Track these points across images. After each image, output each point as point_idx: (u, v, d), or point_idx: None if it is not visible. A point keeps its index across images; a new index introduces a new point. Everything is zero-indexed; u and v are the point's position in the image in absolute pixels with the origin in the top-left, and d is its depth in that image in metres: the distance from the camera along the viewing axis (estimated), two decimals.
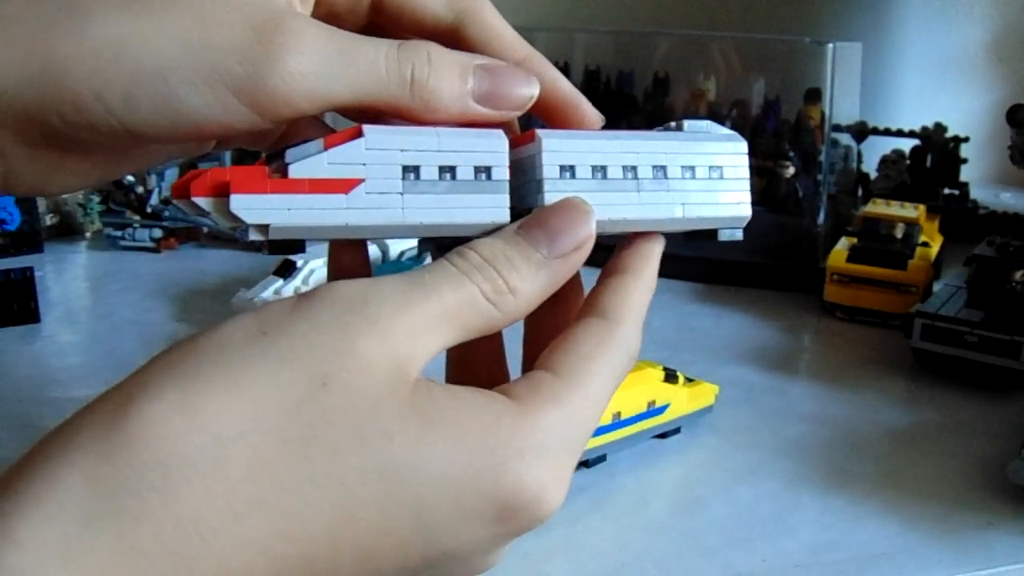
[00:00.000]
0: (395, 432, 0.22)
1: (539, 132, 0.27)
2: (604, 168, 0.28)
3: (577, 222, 0.27)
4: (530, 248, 0.26)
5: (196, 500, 0.20)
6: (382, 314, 0.23)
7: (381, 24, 0.30)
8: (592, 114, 0.31)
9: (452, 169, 0.26)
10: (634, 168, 0.28)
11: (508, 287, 0.25)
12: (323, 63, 0.25)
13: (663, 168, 0.29)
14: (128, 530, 0.19)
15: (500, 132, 0.27)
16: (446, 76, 0.27)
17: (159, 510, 0.19)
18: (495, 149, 0.27)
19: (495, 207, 0.27)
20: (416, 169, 0.26)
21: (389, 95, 0.26)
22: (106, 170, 0.28)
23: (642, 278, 0.29)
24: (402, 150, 0.25)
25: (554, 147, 0.27)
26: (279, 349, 0.21)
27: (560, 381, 0.25)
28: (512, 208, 0.27)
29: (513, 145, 0.27)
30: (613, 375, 0.27)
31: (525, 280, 0.26)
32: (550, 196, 0.27)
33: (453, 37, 0.30)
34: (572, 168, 0.27)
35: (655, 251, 0.30)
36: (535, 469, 0.24)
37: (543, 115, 0.31)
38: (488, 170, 0.27)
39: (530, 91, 0.28)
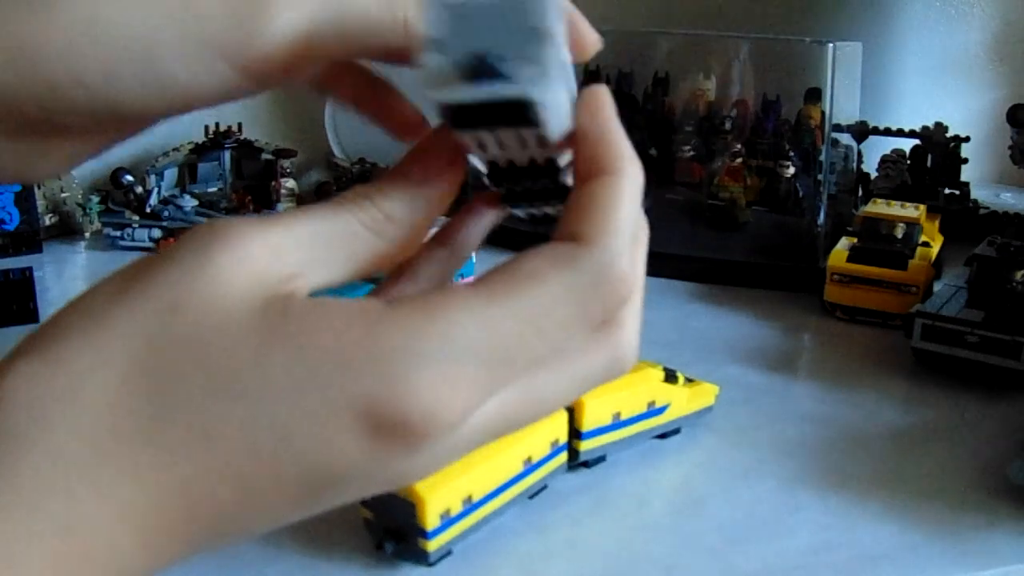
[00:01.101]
0: (237, 347, 0.21)
1: None
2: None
3: (439, 143, 0.25)
4: (400, 175, 0.25)
5: (65, 434, 0.20)
6: (243, 234, 0.22)
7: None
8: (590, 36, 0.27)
9: None
10: None
11: (383, 215, 0.24)
12: (312, 17, 0.24)
13: None
14: (6, 470, 0.20)
15: None
16: None
17: (33, 446, 0.20)
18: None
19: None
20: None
21: (382, 37, 0.25)
22: (90, 148, 0.28)
23: (622, 178, 0.24)
24: None
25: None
26: (137, 287, 0.21)
27: (483, 289, 0.22)
28: None
29: None
30: (562, 298, 0.23)
31: (401, 206, 0.24)
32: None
33: None
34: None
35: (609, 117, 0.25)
36: (412, 378, 0.21)
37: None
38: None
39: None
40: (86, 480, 0.20)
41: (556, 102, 0.23)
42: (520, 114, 0.22)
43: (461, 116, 0.22)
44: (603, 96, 0.25)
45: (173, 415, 0.21)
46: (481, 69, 0.21)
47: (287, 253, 0.22)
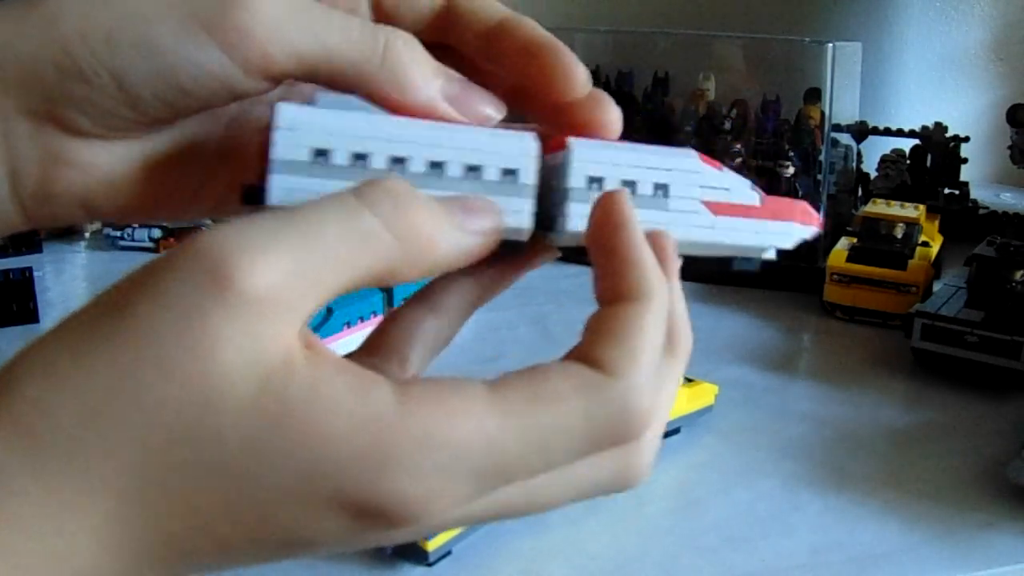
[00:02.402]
0: (227, 428, 0.20)
1: (571, 140, 0.27)
2: (634, 183, 0.27)
3: (487, 209, 0.25)
4: (445, 206, 0.24)
5: (59, 470, 0.20)
6: (237, 279, 0.20)
7: (383, 9, 0.30)
8: (579, 75, 0.28)
9: (478, 168, 0.25)
10: (665, 187, 0.27)
11: (417, 228, 0.22)
12: (293, 11, 0.25)
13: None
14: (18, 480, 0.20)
15: (532, 135, 0.26)
16: (420, 60, 0.26)
17: (38, 464, 0.20)
18: (525, 152, 0.26)
19: (518, 211, 0.26)
20: (442, 165, 0.25)
21: (359, 61, 0.25)
22: (115, 159, 0.28)
23: (651, 306, 0.24)
24: (426, 144, 0.25)
25: (584, 156, 0.26)
26: (122, 336, 0.20)
27: (500, 400, 0.22)
28: (536, 215, 0.26)
29: (544, 151, 0.27)
30: (576, 427, 0.22)
31: (440, 228, 0.23)
32: (575, 206, 0.26)
33: (446, 15, 0.29)
34: (600, 180, 0.26)
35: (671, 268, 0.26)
36: (403, 485, 0.21)
37: (535, 79, 0.28)
38: (515, 173, 0.26)
39: (495, 112, 0.28)
40: (77, 516, 0.20)
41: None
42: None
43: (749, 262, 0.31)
44: (621, 207, 0.25)
45: (162, 477, 0.20)
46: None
47: (290, 297, 0.21)
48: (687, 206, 0.28)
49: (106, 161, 0.27)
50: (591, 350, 0.23)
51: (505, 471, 0.22)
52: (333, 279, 0.21)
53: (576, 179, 0.26)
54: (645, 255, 0.25)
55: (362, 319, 0.63)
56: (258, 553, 0.22)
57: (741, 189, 0.28)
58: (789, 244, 0.29)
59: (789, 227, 0.29)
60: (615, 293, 0.24)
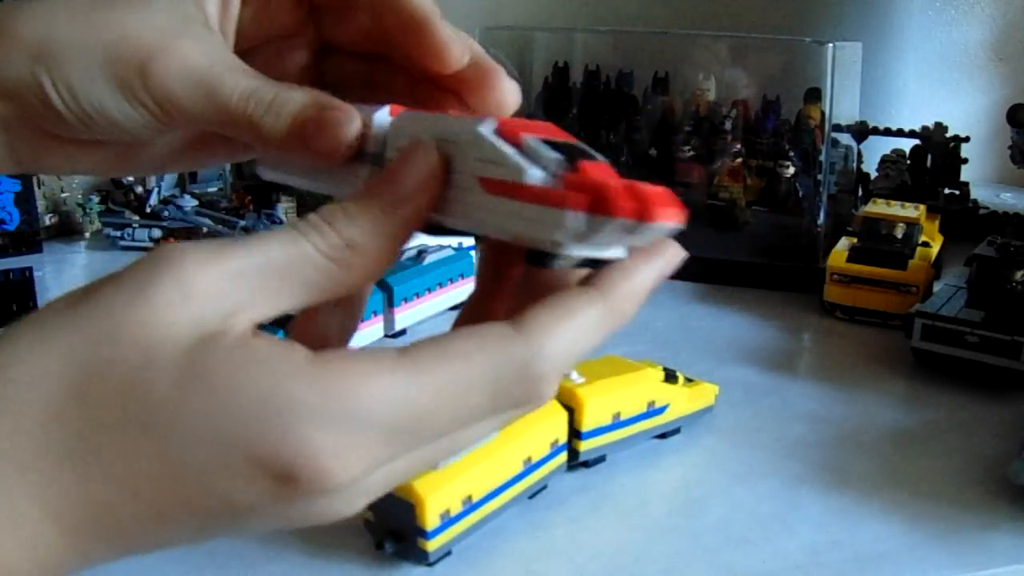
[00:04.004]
0: (158, 384, 0.22)
1: (395, 111, 0.28)
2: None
3: (416, 159, 0.26)
4: (370, 200, 0.25)
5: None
6: (188, 269, 0.23)
7: (318, 6, 0.33)
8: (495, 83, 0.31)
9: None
10: (450, 159, 0.26)
11: (343, 241, 0.24)
12: (196, 83, 0.29)
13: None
14: None
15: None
16: (281, 121, 0.29)
17: None
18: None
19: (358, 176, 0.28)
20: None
21: (240, 121, 0.29)
22: (89, 158, 0.33)
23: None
24: None
25: (394, 124, 0.28)
26: (84, 309, 0.23)
27: (408, 359, 0.23)
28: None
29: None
30: (482, 385, 0.23)
31: (364, 234, 0.25)
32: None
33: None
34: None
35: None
36: (308, 436, 0.22)
37: (461, 85, 0.31)
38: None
39: (343, 138, 0.28)
40: (16, 476, 0.22)
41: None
42: (597, 262, 0.24)
43: (551, 258, 0.24)
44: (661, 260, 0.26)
45: (97, 438, 0.22)
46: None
47: (231, 289, 0.23)
48: (464, 182, 0.25)
49: (84, 150, 0.33)
50: (521, 304, 0.24)
51: (415, 427, 0.23)
52: (276, 285, 0.24)
53: (391, 150, 0.27)
54: (639, 273, 0.25)
55: (362, 319, 0.63)
56: (195, 525, 0.23)
57: (525, 166, 0.23)
58: (594, 239, 0.23)
59: (576, 219, 0.22)
60: (588, 281, 0.25)
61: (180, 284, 0.22)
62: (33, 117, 0.30)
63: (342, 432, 0.22)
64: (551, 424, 0.46)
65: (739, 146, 0.91)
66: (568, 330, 0.24)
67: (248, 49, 0.33)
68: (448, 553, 0.41)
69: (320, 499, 0.23)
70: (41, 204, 0.89)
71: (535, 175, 0.23)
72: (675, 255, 0.26)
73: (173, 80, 0.29)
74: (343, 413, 0.22)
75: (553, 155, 0.24)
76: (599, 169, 0.24)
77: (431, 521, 0.39)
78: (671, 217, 0.23)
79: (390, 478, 0.24)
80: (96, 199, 0.93)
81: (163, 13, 0.30)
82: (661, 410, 0.51)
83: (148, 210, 0.89)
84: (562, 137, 0.25)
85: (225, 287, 0.23)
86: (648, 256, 0.25)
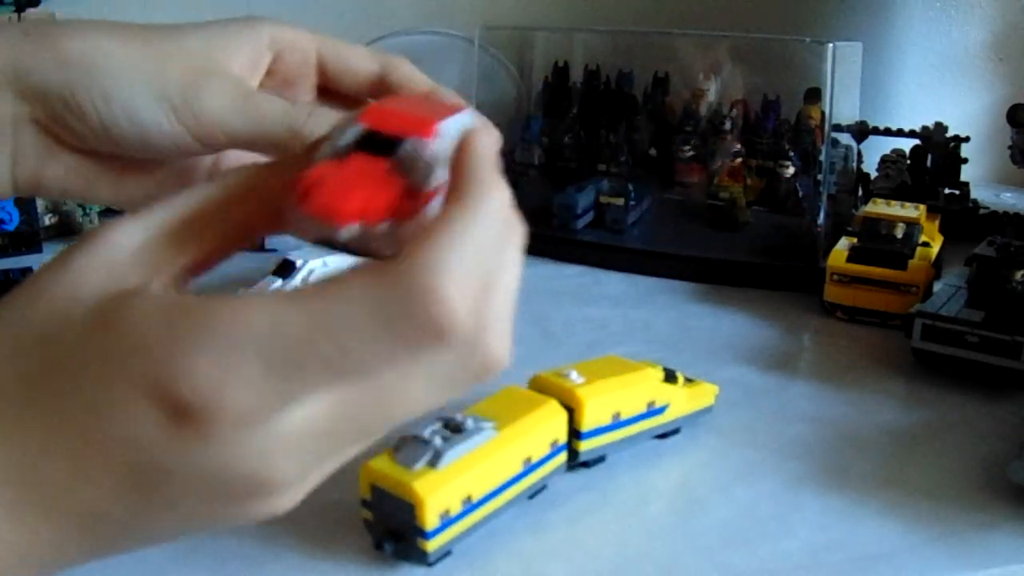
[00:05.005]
0: (68, 338, 0.24)
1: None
2: None
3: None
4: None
5: None
6: (106, 235, 0.25)
7: (327, 83, 0.39)
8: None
9: None
10: None
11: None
12: (236, 102, 0.35)
13: None
14: None
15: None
16: (324, 124, 0.33)
17: None
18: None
19: None
20: None
21: (276, 137, 0.34)
22: (130, 184, 0.38)
23: (468, 203, 0.25)
24: None
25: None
26: (26, 282, 0.26)
27: (286, 293, 0.24)
28: None
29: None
30: (361, 311, 0.23)
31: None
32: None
33: (381, 83, 0.39)
34: None
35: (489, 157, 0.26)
36: (188, 362, 0.23)
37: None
38: None
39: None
40: None
41: None
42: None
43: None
44: (481, 137, 0.26)
45: (25, 396, 0.24)
46: None
47: (147, 250, 0.26)
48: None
49: (84, 166, 0.37)
50: (408, 246, 0.24)
51: (291, 355, 0.23)
52: (197, 231, 0.26)
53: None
54: (480, 162, 0.26)
55: None
56: (115, 478, 0.24)
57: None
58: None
59: (309, 225, 0.25)
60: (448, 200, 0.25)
61: (95, 251, 0.25)
62: (54, 122, 0.34)
63: (220, 356, 0.23)
64: (551, 424, 0.46)
65: (739, 146, 0.91)
66: (447, 241, 0.23)
67: None
68: (448, 553, 0.41)
69: (219, 440, 0.23)
70: (41, 204, 0.89)
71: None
72: (486, 127, 0.27)
73: (217, 98, 0.34)
74: (220, 338, 0.23)
75: (335, 150, 0.26)
76: (342, 167, 0.25)
77: (431, 521, 0.39)
78: (425, 134, 0.25)
79: (336, 424, 0.24)
80: None
81: (206, 43, 0.35)
82: (661, 410, 0.51)
83: None
84: (432, 111, 0.27)
85: (139, 246, 0.25)
86: (471, 140, 0.26)
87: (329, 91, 0.40)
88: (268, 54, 0.37)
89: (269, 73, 0.38)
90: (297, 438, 0.24)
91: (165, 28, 0.35)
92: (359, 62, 0.39)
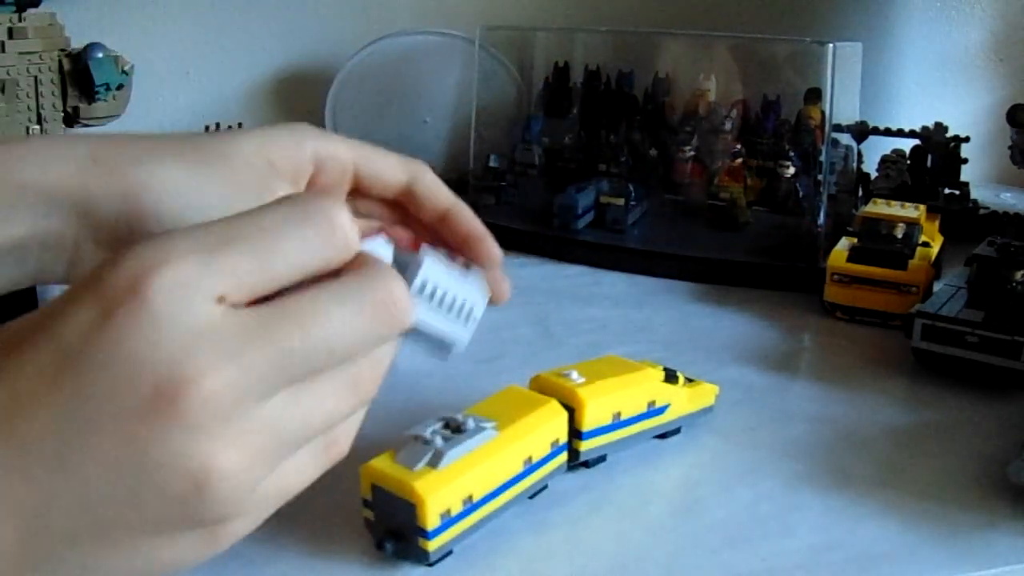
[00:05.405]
0: (68, 315, 0.27)
1: (425, 247, 0.35)
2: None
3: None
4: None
5: None
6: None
7: (358, 188, 0.42)
8: (493, 252, 0.41)
9: None
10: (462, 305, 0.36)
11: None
12: (350, 155, 0.42)
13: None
14: None
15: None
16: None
17: None
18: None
19: None
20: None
21: (394, 188, 0.43)
22: None
23: None
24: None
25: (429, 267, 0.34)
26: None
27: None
28: None
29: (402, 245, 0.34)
30: (273, 208, 0.29)
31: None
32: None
33: (407, 191, 0.42)
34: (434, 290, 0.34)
35: None
36: (128, 250, 0.27)
37: (456, 244, 0.42)
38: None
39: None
40: None
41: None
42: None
43: None
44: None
45: (25, 386, 0.27)
46: None
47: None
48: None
49: None
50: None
51: (217, 238, 0.27)
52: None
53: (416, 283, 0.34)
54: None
55: None
56: (109, 479, 0.26)
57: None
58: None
59: None
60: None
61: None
62: (116, 241, 0.36)
63: (156, 245, 0.27)
64: (552, 424, 0.46)
65: (739, 146, 0.91)
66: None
67: None
68: (449, 553, 0.41)
69: (149, 327, 0.25)
70: None
71: None
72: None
73: None
74: (160, 239, 0.27)
75: None
76: None
77: (432, 521, 0.40)
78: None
79: (238, 332, 0.26)
80: None
81: (257, 150, 0.39)
82: (661, 410, 0.51)
83: None
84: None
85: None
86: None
87: (358, 192, 0.43)
88: (311, 168, 0.40)
89: (309, 183, 0.41)
90: (219, 335, 0.26)
91: (220, 141, 0.39)
92: (390, 173, 0.42)
